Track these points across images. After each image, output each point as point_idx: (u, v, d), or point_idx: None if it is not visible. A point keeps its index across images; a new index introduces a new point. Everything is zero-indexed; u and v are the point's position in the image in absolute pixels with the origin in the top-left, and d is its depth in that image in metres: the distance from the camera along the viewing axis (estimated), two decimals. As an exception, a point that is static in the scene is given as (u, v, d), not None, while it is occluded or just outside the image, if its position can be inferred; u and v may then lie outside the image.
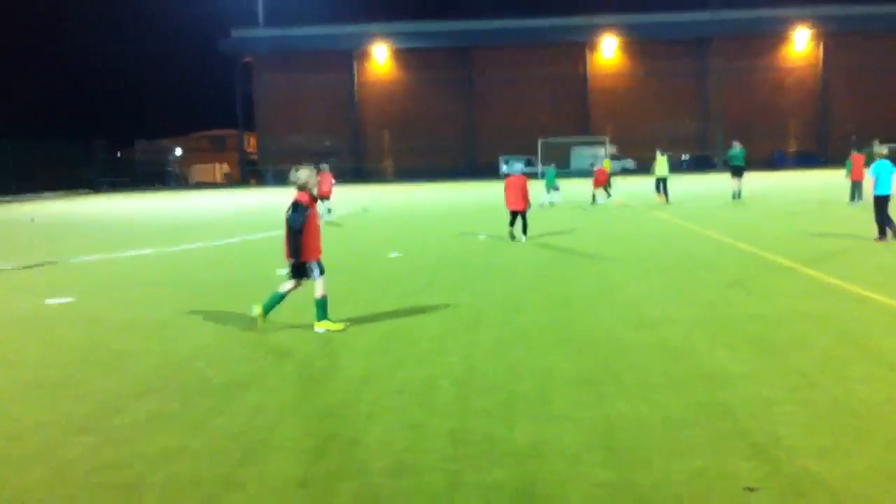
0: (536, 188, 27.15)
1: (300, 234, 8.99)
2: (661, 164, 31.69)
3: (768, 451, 5.19)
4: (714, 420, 5.81)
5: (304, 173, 9.21)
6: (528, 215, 18.93)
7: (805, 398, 6.23)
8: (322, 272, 9.23)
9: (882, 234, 15.81)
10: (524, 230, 18.55)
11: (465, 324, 9.45)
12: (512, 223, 18.69)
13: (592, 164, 34.92)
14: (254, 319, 9.47)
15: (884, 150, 16.35)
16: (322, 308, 9.30)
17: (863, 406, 6.00)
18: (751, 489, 4.61)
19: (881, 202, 15.84)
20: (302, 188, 9.18)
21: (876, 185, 15.93)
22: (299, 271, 9.24)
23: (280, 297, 9.44)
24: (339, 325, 9.34)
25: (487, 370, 7.35)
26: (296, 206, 9.07)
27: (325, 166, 25.49)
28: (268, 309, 9.44)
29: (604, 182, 31.76)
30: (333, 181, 27.14)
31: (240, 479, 5.06)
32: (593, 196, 31.87)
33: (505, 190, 18.75)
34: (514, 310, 10.15)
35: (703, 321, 9.15)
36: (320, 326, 9.25)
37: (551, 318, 9.63)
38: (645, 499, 4.56)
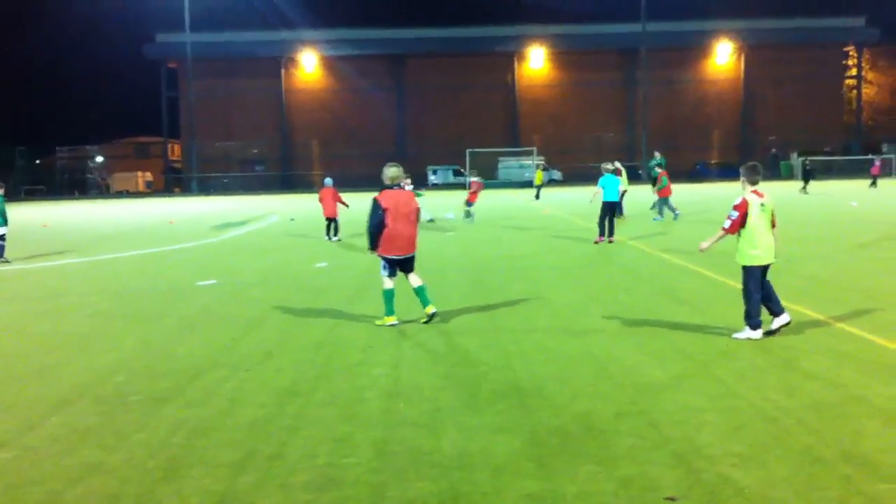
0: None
1: (373, 228, 9.58)
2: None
3: (690, 459, 5.26)
4: (637, 429, 5.87)
5: (389, 171, 9.78)
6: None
7: (725, 406, 6.34)
8: (383, 269, 9.79)
9: (602, 234, 19.00)
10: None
11: (393, 334, 9.40)
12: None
13: (469, 175, 30.18)
14: None
15: (609, 166, 19.71)
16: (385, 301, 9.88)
17: (780, 414, 6.13)
18: (672, 499, 4.66)
19: (608, 207, 19.04)
20: (388, 185, 9.73)
21: (605, 194, 19.06)
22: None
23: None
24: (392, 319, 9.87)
25: (414, 381, 7.31)
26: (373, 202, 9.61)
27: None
28: None
29: (472, 200, 28.18)
30: None
31: (158, 495, 4.94)
32: (466, 211, 28.22)
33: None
34: (442, 320, 10.12)
35: (629, 330, 9.27)
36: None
37: (479, 328, 9.64)
38: (569, 509, 4.57)
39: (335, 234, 21.62)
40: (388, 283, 9.77)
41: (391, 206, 9.55)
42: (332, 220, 21.78)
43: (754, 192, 8.72)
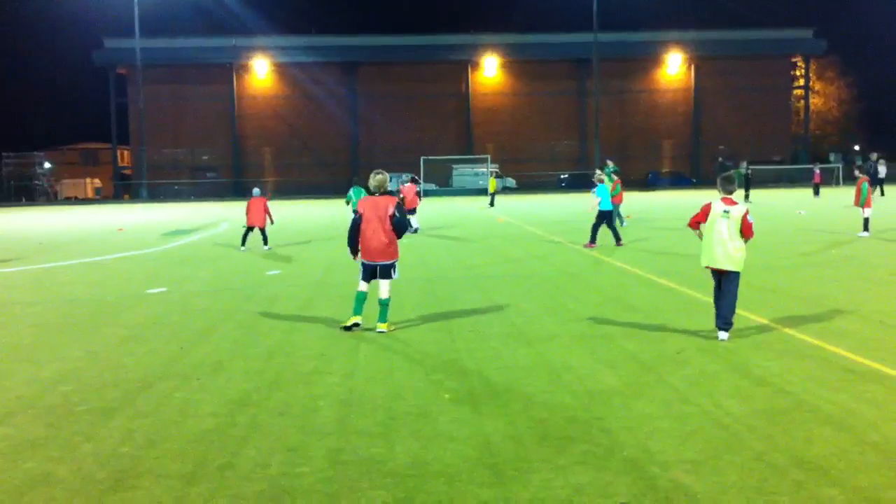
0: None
1: (349, 232, 10.09)
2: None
3: (643, 466, 5.30)
4: (591, 436, 5.89)
5: (372, 179, 10.18)
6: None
7: (677, 413, 6.39)
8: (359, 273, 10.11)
9: (593, 241, 19.50)
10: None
11: (347, 343, 9.34)
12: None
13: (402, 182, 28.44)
14: None
15: (603, 177, 20.30)
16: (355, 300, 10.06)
17: (732, 420, 6.20)
18: (626, 504, 4.69)
19: (604, 216, 19.53)
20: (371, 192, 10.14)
21: (600, 203, 19.51)
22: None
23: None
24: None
25: (368, 390, 7.27)
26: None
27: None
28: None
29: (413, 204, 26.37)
30: None
31: (106, 508, 4.84)
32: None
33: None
34: (398, 329, 10.09)
35: (583, 338, 9.32)
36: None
37: (433, 336, 9.62)
38: (524, 517, 4.57)
39: (265, 244, 21.48)
40: (360, 286, 10.00)
41: (364, 212, 9.87)
42: (255, 229, 21.55)
43: (725, 199, 9.14)
